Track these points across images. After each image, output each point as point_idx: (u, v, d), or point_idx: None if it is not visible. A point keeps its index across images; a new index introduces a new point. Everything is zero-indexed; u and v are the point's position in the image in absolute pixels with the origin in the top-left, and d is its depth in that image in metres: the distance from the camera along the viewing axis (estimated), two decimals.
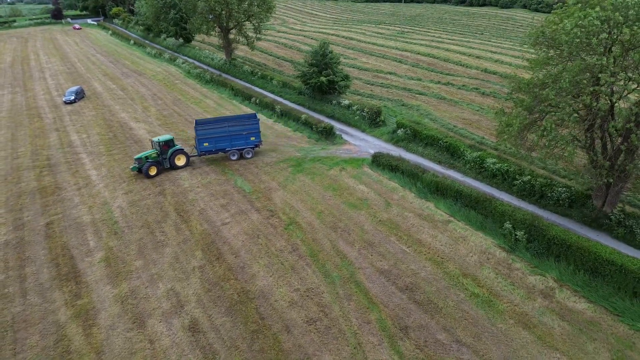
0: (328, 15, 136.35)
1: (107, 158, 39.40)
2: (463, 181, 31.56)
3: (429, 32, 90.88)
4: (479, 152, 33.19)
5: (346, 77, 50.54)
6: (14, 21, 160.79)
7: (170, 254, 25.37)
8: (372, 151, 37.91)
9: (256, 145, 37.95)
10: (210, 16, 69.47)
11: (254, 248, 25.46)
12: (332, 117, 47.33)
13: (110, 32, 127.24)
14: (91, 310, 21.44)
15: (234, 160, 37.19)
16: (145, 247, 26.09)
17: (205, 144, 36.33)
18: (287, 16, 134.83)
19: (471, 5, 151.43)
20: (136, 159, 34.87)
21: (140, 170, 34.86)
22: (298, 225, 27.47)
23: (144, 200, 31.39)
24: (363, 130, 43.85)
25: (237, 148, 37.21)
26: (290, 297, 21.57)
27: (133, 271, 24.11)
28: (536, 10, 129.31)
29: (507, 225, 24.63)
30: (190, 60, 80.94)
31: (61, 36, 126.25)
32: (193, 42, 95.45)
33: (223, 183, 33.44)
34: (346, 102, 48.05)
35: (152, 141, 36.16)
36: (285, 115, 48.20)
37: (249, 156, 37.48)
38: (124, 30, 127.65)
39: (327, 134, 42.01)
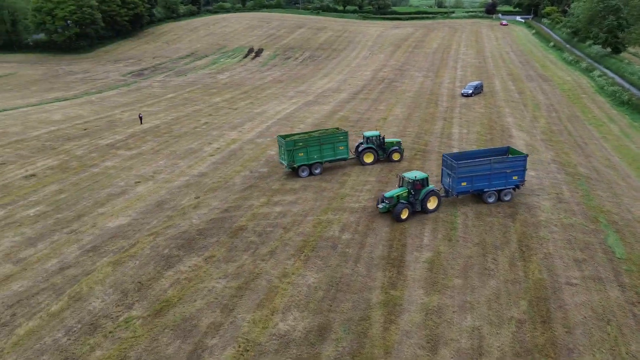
0: None
1: None
2: None
3: None
4: None
5: None
6: (453, 12, 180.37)
7: (493, 289, 22.74)
8: None
9: (517, 186, 31.16)
10: None
11: (595, 334, 19.61)
12: None
13: (533, 31, 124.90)
14: (398, 306, 21.80)
15: (491, 202, 30.78)
16: (470, 268, 24.38)
17: (463, 184, 30.32)
18: None
19: None
20: (387, 198, 29.65)
21: (390, 211, 30.11)
22: None
23: (490, 217, 29.36)
24: None
25: (495, 189, 30.75)
26: None
27: (449, 287, 22.98)
28: None
29: None
30: (611, 74, 69.59)
31: (486, 30, 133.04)
32: (622, 54, 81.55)
33: (589, 233, 27.23)
34: None
35: (401, 177, 30.88)
36: None
37: (507, 199, 31.02)
38: (549, 31, 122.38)
39: None
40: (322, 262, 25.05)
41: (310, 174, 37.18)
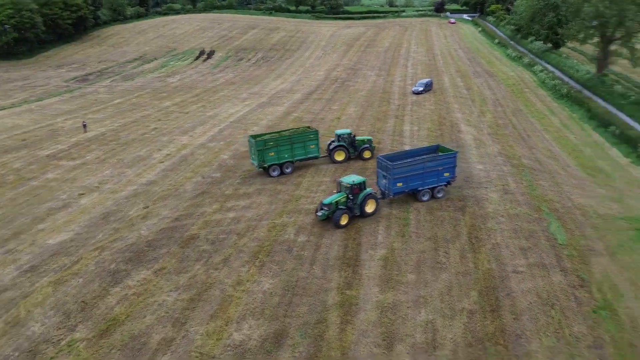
0: None
1: None
2: None
3: None
4: None
5: None
6: (403, 11, 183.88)
7: (445, 282, 23.18)
8: None
9: (448, 182, 31.83)
10: (594, 22, 59.65)
11: (541, 318, 20.36)
12: None
13: (480, 28, 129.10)
14: (354, 306, 21.81)
15: (425, 200, 31.06)
16: (423, 263, 24.77)
17: (399, 184, 30.23)
18: None
19: None
20: (325, 204, 28.57)
21: (329, 218, 28.89)
22: (614, 315, 20.35)
23: (441, 211, 29.96)
24: None
25: (429, 187, 31.23)
26: None
27: (403, 283, 23.24)
28: None
29: None
30: (551, 68, 72.97)
31: (435, 28, 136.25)
32: (562, 49, 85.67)
33: (533, 221, 28.30)
34: None
35: (339, 182, 29.77)
36: None
37: (440, 195, 31.60)
38: (494, 28, 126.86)
39: None
40: (277, 267, 24.74)
41: (282, 173, 37.23)
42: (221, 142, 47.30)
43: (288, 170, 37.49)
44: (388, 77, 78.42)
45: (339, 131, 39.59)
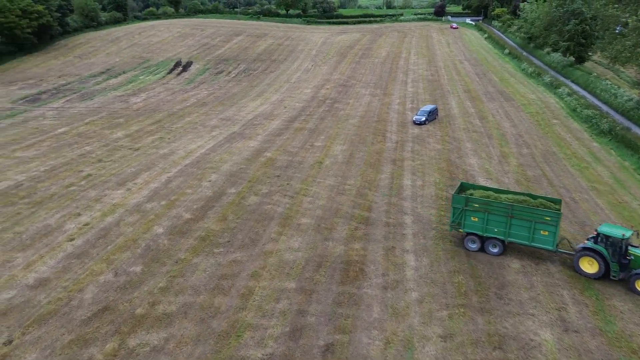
0: None
1: (435, 234, 28.10)
2: None
3: None
4: None
5: None
6: (401, 14, 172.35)
7: None
8: None
9: None
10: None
11: None
12: None
13: (485, 35, 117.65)
14: None
15: None
16: None
17: None
18: None
19: None
20: None
21: None
22: None
23: None
24: None
25: None
26: None
27: None
28: None
29: None
30: (580, 90, 61.09)
31: (436, 34, 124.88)
32: (587, 63, 73.89)
33: None
34: None
35: None
36: None
37: None
38: (501, 34, 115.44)
39: None
40: None
41: (482, 249, 26.18)
42: (162, 202, 35.63)
43: (494, 251, 25.88)
44: (384, 97, 66.77)
45: (605, 228, 23.72)
